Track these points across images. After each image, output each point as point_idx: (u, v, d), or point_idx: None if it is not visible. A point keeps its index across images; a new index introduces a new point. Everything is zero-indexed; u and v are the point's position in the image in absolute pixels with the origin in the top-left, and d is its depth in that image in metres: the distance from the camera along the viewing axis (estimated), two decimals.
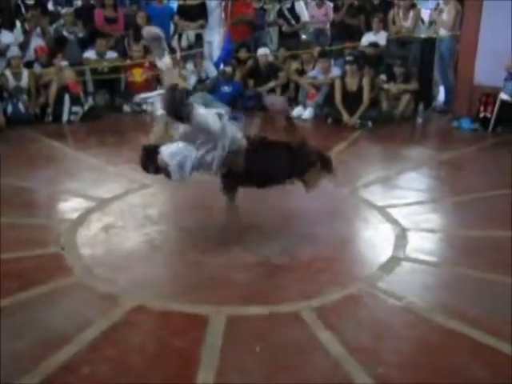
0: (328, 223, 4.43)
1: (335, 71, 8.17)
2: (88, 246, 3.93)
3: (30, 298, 3.29)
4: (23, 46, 8.32)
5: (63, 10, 9.32)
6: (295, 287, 3.46)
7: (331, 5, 9.71)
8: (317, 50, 8.68)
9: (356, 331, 3.02)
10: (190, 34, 9.11)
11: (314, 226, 4.39)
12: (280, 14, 9.46)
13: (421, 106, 7.99)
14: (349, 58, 7.94)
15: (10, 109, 7.51)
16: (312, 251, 3.93)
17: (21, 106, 7.60)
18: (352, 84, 7.71)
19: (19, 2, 9.13)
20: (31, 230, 4.24)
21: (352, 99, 7.61)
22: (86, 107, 7.88)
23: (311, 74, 8.28)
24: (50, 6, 10.31)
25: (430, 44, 8.59)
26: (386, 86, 7.95)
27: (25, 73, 7.78)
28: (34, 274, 3.55)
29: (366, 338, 2.97)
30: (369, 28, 9.03)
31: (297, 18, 9.40)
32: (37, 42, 8.37)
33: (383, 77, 8.08)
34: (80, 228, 4.21)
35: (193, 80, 8.63)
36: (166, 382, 2.61)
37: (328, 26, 9.79)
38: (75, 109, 7.72)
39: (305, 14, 9.45)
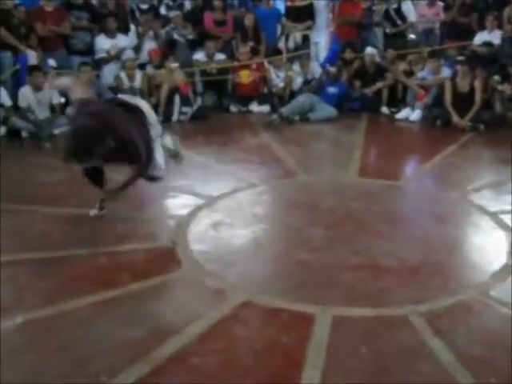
0: (437, 228, 4.32)
1: (445, 72, 7.93)
2: (197, 242, 4.04)
3: (142, 289, 3.41)
4: (137, 49, 8.66)
5: (173, 13, 9.61)
6: (403, 291, 3.40)
7: (442, 4, 9.44)
8: (427, 50, 8.45)
9: (467, 339, 2.93)
10: (296, 36, 9.15)
11: (423, 229, 4.30)
12: (386, 14, 9.29)
13: None
14: (460, 58, 7.69)
15: None
16: (421, 255, 3.85)
17: None
18: (463, 85, 7.45)
19: (134, 7, 9.52)
20: (143, 224, 4.41)
21: (463, 101, 7.35)
22: (195, 107, 8.12)
23: (420, 74, 8.07)
24: (163, 10, 10.67)
25: None
26: (500, 87, 7.61)
27: (138, 74, 8.13)
28: (146, 267, 3.70)
29: (478, 346, 2.87)
30: (482, 27, 8.69)
31: (403, 18, 9.19)
32: (150, 45, 8.70)
33: (497, 77, 7.74)
34: (190, 224, 4.34)
35: (299, 81, 8.67)
36: (272, 378, 2.64)
37: (437, 25, 9.52)
38: (185, 109, 7.97)
39: (412, 14, 9.23)
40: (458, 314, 3.19)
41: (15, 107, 7.22)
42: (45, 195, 4.99)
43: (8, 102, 7.16)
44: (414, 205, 5.04)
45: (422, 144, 7.19)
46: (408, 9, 9.16)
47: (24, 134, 7.06)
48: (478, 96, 7.36)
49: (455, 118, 7.33)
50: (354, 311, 3.18)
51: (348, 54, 8.76)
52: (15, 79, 7.63)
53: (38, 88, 7.14)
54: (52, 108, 7.30)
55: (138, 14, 9.26)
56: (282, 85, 8.63)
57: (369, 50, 8.56)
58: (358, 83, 8.49)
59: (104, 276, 3.55)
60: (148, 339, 2.92)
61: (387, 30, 9.23)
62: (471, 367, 2.68)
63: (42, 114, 7.21)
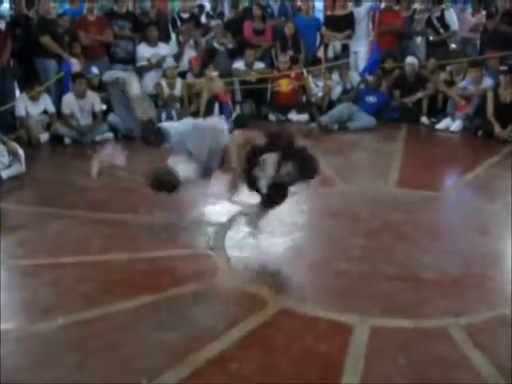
0: (478, 240, 4.27)
1: (487, 82, 7.82)
2: (236, 249, 4.06)
3: (182, 294, 3.46)
4: (177, 57, 8.78)
5: (213, 23, 9.71)
6: (442, 303, 3.36)
7: (484, 13, 9.34)
8: (469, 59, 8.33)
9: (509, 353, 2.86)
10: (336, 45, 9.12)
11: (463, 241, 4.25)
12: (428, 22, 9.20)
13: None
14: (503, 67, 7.56)
15: (163, 116, 7.97)
16: (460, 267, 3.80)
17: (174, 114, 8.04)
18: (506, 95, 7.33)
19: (175, 16, 9.66)
20: (181, 230, 4.46)
21: (506, 111, 7.22)
22: (234, 116, 8.17)
23: (461, 84, 7.98)
24: (203, 19, 10.80)
25: None
26: None
27: (178, 82, 8.23)
28: (185, 273, 3.74)
29: None
30: None
31: (446, 26, 9.10)
32: (190, 54, 8.80)
33: None
34: (228, 231, 4.37)
35: (338, 90, 8.65)
36: None
37: (477, 35, 9.41)
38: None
39: (455, 23, 9.13)
40: (499, 327, 3.13)
41: (58, 114, 7.39)
42: (86, 200, 5.10)
43: (52, 108, 7.34)
44: (454, 216, 4.98)
45: (463, 155, 7.10)
46: (451, 17, 9.06)
47: (67, 140, 7.22)
48: None
49: (497, 129, 7.22)
50: (392, 322, 3.16)
51: (388, 64, 8.71)
52: (59, 86, 7.81)
53: (80, 95, 7.30)
54: (94, 115, 7.46)
55: (178, 22, 9.37)
56: (320, 94, 8.64)
57: (409, 59, 8.49)
58: (397, 93, 8.43)
59: (144, 281, 3.61)
60: (187, 343, 2.95)
61: (431, 38, 9.14)
62: None
63: (85, 120, 7.37)
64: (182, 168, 4.04)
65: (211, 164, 4.22)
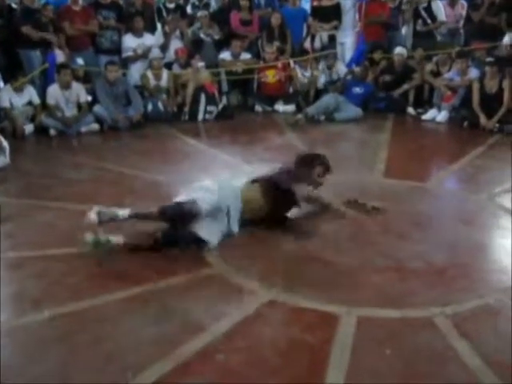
0: (464, 230, 4.29)
1: (473, 72, 7.85)
2: (224, 240, 4.03)
3: (169, 287, 3.45)
4: (163, 48, 8.72)
5: (199, 13, 9.65)
6: (428, 293, 3.38)
7: (465, 4, 9.35)
8: (456, 50, 8.36)
9: (494, 343, 2.90)
10: (323, 35, 9.12)
11: (449, 231, 4.27)
12: (416, 13, 9.22)
13: None
14: (489, 58, 7.59)
15: (150, 107, 7.93)
16: (447, 257, 3.83)
17: (160, 105, 8.00)
18: (491, 86, 7.37)
19: (161, 6, 9.58)
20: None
21: (491, 102, 7.27)
22: (220, 106, 8.14)
23: (447, 75, 8.01)
24: (189, 10, 10.71)
25: None
26: None
27: (164, 73, 8.18)
28: (173, 264, 3.72)
29: (506, 351, 2.82)
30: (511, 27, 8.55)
31: (433, 17, 9.12)
32: (176, 44, 8.74)
33: None
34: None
35: (322, 80, 8.66)
36: (296, 377, 2.65)
37: (461, 25, 9.44)
38: (210, 108, 8.01)
39: (442, 13, 9.14)
40: (484, 317, 3.16)
41: (43, 105, 7.33)
42: (72, 192, 5.06)
43: (36, 99, 7.27)
44: (440, 206, 5.00)
45: (449, 145, 7.14)
46: (437, 8, 9.07)
47: (52, 132, 7.17)
48: (507, 97, 7.26)
49: (483, 120, 7.25)
50: (379, 312, 3.17)
51: (378, 56, 8.71)
52: (43, 78, 7.74)
53: (65, 86, 7.24)
54: (79, 106, 7.40)
55: (164, 13, 9.30)
56: (306, 81, 8.62)
57: (398, 49, 8.49)
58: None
59: (132, 273, 3.59)
60: (174, 336, 2.95)
61: (418, 28, 9.15)
62: (499, 372, 2.66)
63: (70, 111, 7.31)
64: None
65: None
